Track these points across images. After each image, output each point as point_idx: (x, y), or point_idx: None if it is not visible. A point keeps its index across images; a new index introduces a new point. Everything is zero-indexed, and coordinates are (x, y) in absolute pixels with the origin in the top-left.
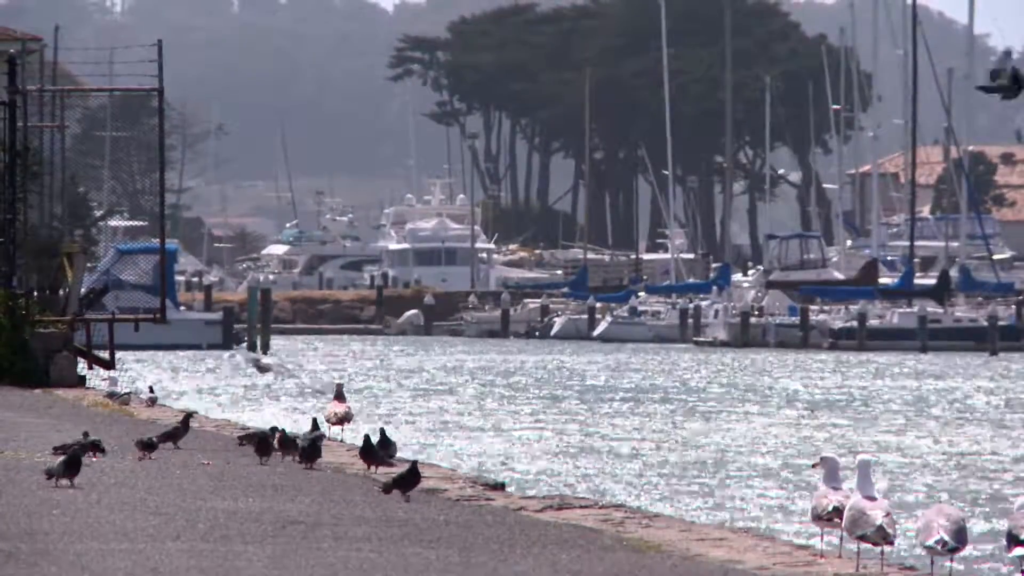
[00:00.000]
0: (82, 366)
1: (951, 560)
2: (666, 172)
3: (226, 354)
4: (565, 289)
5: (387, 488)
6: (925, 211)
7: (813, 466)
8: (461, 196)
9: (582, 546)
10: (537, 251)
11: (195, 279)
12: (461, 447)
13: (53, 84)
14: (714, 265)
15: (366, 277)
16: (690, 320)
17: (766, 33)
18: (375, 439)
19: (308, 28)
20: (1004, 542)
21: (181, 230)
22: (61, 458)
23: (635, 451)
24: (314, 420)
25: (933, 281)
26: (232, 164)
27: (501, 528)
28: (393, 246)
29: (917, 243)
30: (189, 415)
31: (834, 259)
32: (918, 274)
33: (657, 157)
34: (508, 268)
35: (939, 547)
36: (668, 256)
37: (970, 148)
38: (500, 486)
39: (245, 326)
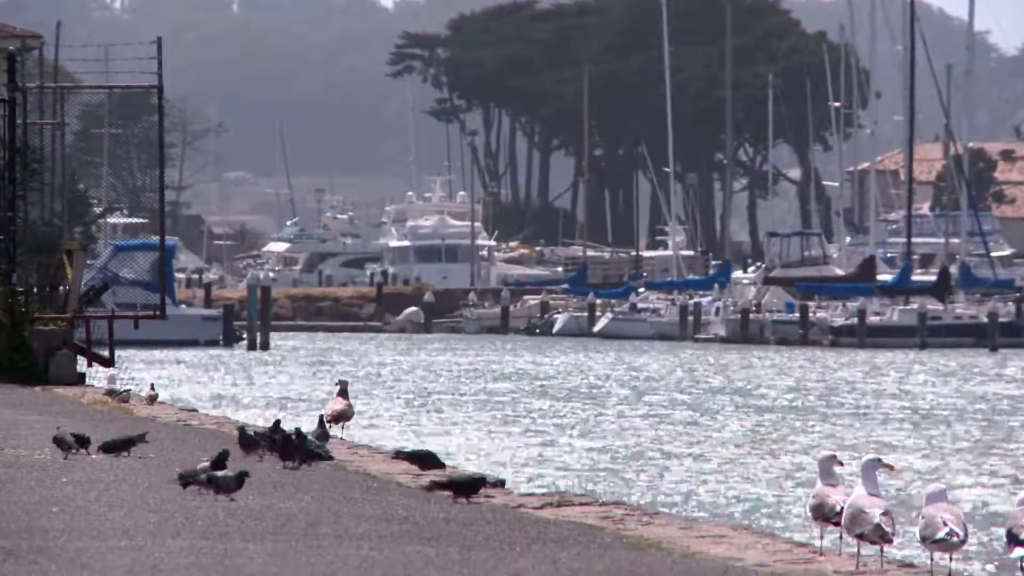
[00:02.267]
0: (82, 363)
1: (951, 558)
2: (667, 169)
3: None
4: (565, 286)
5: (433, 487)
6: (925, 208)
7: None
8: (462, 193)
9: (582, 543)
10: (537, 248)
11: (195, 276)
12: (461, 444)
13: (54, 81)
14: (714, 262)
15: (367, 275)
16: (690, 317)
17: (766, 30)
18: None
19: (308, 25)
20: (1004, 541)
21: (181, 227)
22: (205, 462)
23: (637, 449)
24: (320, 418)
25: (932, 278)
26: (232, 161)
27: (501, 525)
28: (394, 243)
29: (917, 240)
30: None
31: (834, 256)
32: (917, 270)
33: (657, 154)
34: (508, 265)
35: (952, 538)
36: (668, 253)
37: (970, 144)
38: (500, 483)
39: (245, 323)
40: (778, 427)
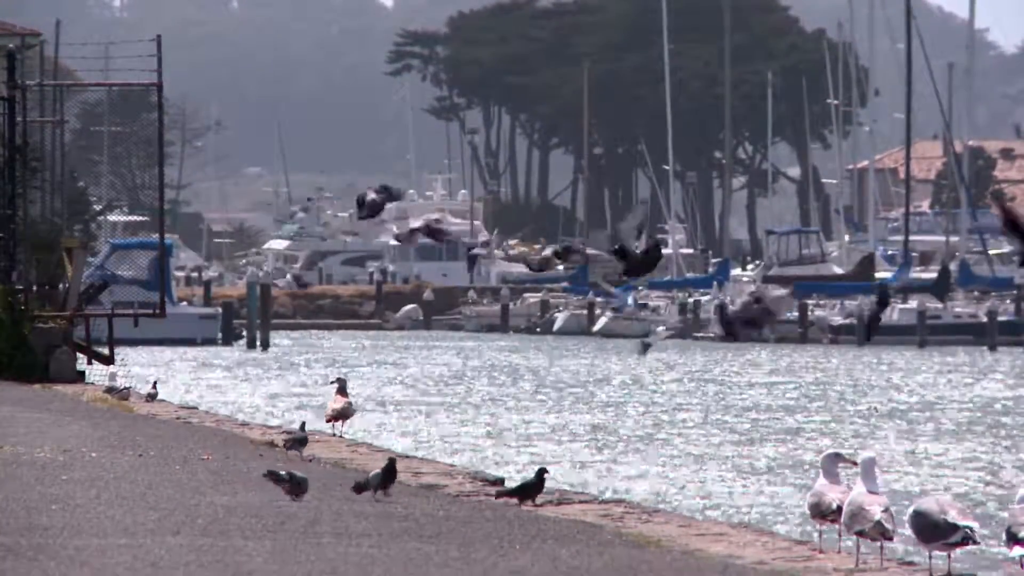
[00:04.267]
0: (81, 361)
1: (949, 556)
2: (666, 167)
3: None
4: (565, 284)
5: (501, 495)
6: (925, 206)
7: (851, 462)
8: (463, 191)
9: (582, 541)
10: (537, 246)
11: (195, 274)
12: (461, 442)
13: (55, 79)
14: (713, 260)
15: (367, 272)
16: (689, 315)
17: (765, 28)
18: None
19: (307, 23)
20: (1004, 539)
21: (180, 225)
22: (377, 470)
23: (636, 445)
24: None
25: (931, 276)
26: (231, 159)
27: (500, 523)
28: (394, 241)
29: (917, 237)
30: (393, 461)
31: (834, 254)
32: (916, 268)
33: (656, 152)
34: (508, 263)
35: (970, 532)
36: (667, 251)
37: (969, 143)
38: (499, 481)
39: (245, 321)
40: (778, 424)
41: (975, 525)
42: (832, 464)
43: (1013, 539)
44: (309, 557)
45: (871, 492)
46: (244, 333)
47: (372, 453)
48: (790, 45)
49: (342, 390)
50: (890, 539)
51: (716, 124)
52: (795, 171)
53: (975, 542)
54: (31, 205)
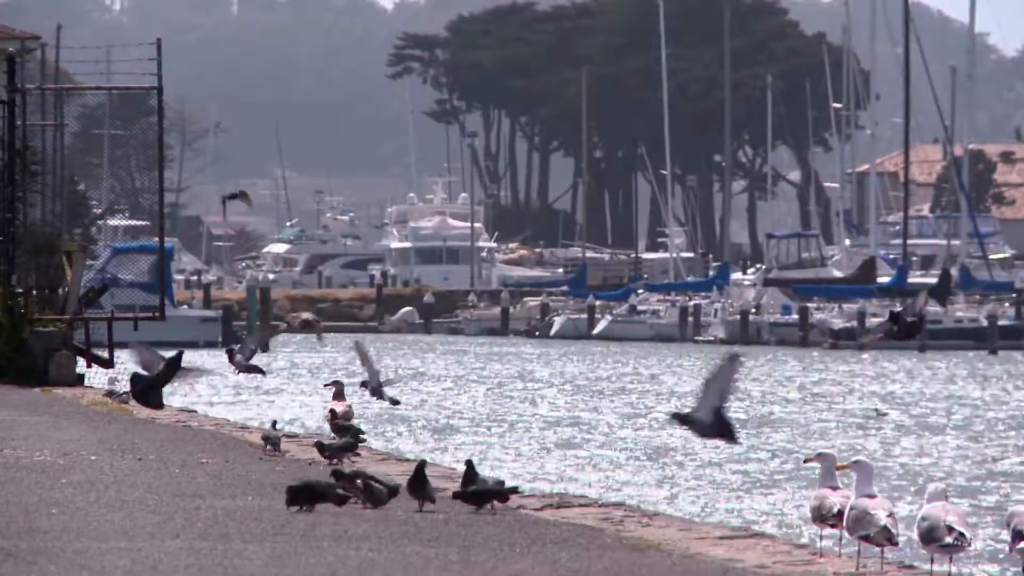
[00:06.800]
0: (81, 365)
1: (951, 559)
2: (664, 172)
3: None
4: (565, 287)
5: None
6: (925, 209)
7: (806, 461)
8: (463, 195)
9: (581, 545)
10: (537, 249)
11: (194, 277)
12: (462, 445)
13: (56, 83)
14: (713, 264)
15: (368, 276)
16: (690, 319)
17: (765, 31)
18: None
19: (307, 26)
20: (1009, 539)
21: (180, 228)
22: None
23: (637, 450)
24: (351, 429)
25: (933, 280)
26: (231, 162)
27: (500, 527)
28: (395, 245)
29: (918, 241)
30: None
31: (836, 258)
32: (918, 272)
33: (657, 155)
34: (508, 266)
35: (962, 537)
36: (667, 255)
37: (970, 146)
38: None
39: (245, 324)
40: (781, 429)
41: (969, 533)
42: (829, 466)
43: (1019, 537)
44: (308, 560)
45: (869, 496)
46: (244, 335)
47: (371, 456)
48: (790, 49)
49: (339, 394)
50: (895, 544)
51: (716, 127)
52: (795, 175)
53: (967, 546)
54: (31, 209)
